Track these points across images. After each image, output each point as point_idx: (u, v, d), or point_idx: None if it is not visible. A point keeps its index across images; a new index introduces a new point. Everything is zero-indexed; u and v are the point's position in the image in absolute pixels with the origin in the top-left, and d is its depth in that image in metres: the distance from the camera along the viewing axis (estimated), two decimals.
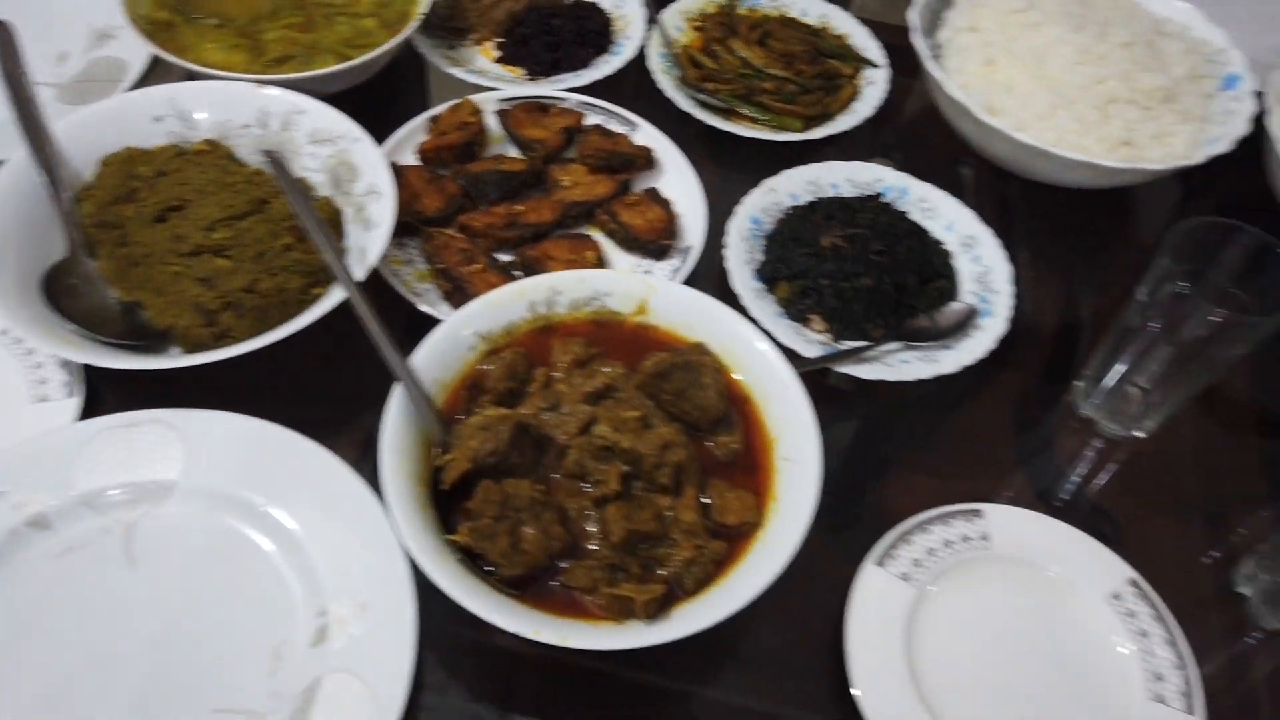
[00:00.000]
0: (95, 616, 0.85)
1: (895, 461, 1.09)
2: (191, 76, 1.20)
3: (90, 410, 0.98)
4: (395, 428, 0.86)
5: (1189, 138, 1.26)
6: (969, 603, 0.91)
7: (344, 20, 1.33)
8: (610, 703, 0.89)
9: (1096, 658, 0.90)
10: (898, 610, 0.88)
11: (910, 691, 0.83)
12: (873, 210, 1.18)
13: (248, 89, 1.16)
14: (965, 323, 1.12)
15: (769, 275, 1.15)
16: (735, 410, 0.94)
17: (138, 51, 1.29)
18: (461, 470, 0.84)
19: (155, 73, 1.31)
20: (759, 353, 0.96)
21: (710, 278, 1.18)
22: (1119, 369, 1.06)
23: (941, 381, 1.07)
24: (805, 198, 1.25)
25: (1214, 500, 1.09)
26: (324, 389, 1.08)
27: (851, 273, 1.12)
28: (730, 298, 1.12)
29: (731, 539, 0.85)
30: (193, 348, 0.99)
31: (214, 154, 1.13)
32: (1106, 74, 1.27)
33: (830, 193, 1.26)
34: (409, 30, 1.29)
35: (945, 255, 1.19)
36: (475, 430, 0.86)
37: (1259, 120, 1.29)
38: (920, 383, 1.07)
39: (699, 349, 0.95)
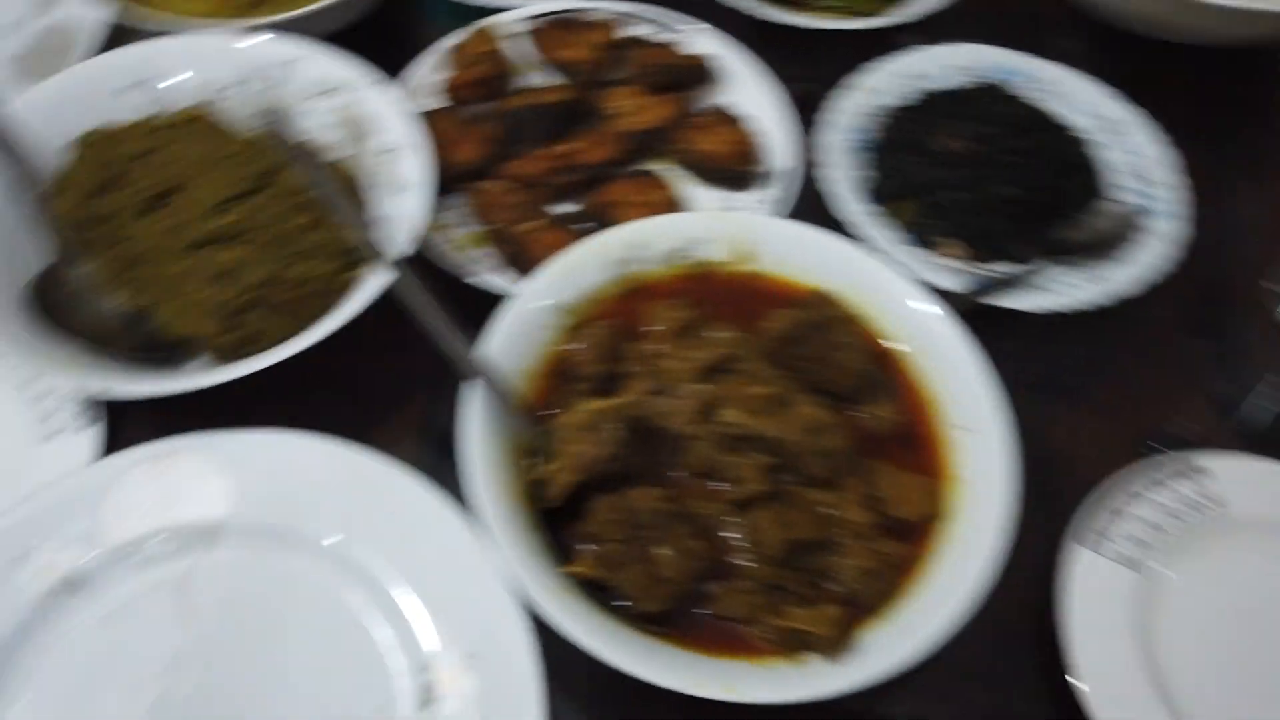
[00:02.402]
0: (151, 692, 0.74)
1: (1066, 403, 0.96)
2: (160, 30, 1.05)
3: (111, 439, 0.86)
4: (479, 438, 0.74)
5: None
6: (1214, 586, 0.78)
7: None
8: None
9: None
10: (1126, 603, 0.76)
11: (1152, 696, 0.72)
12: (995, 101, 1.03)
13: (219, 43, 1.01)
14: (1127, 227, 0.98)
15: (886, 193, 1.01)
16: (882, 370, 0.81)
17: (89, 14, 1.13)
18: (570, 483, 0.72)
19: (115, 35, 1.16)
20: (902, 294, 0.83)
21: (809, 207, 1.04)
22: None
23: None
24: (908, 96, 1.10)
25: None
26: (369, 386, 0.95)
27: (986, 180, 0.98)
28: (838, 227, 0.99)
29: (911, 537, 0.73)
30: (220, 357, 0.87)
31: (200, 125, 0.99)
32: None
33: (934, 86, 1.11)
34: None
35: (1084, 147, 1.05)
36: (578, 432, 0.74)
37: None
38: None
39: (823, 299, 0.82)
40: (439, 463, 0.86)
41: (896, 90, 1.10)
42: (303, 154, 0.86)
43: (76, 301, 0.90)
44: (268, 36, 1.01)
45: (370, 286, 0.84)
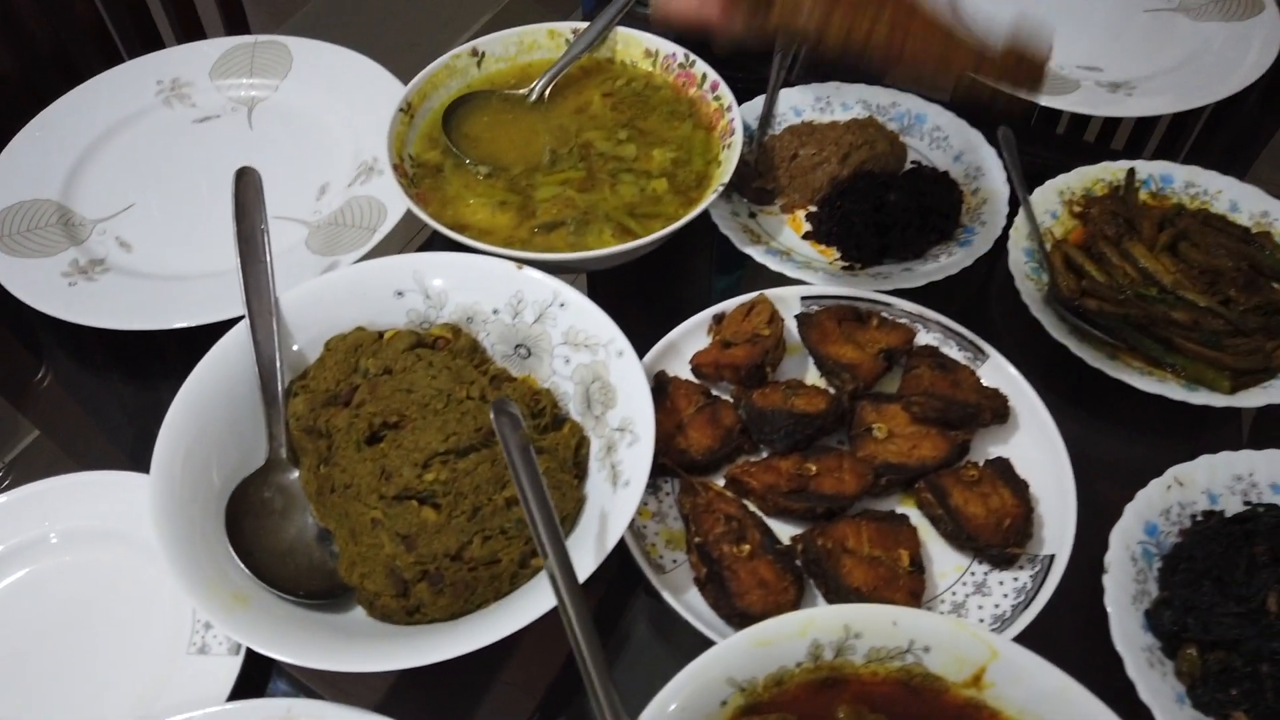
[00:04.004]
0: None
1: None
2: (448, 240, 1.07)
3: (249, 670, 0.84)
4: None
5: None
6: None
7: (630, 180, 1.16)
8: None
9: None
10: None
11: None
12: None
13: (506, 269, 1.00)
14: None
15: (1169, 629, 0.83)
16: None
17: (399, 195, 1.18)
18: None
19: (413, 220, 1.20)
20: None
21: (1072, 613, 0.87)
22: None
23: None
24: (1230, 502, 0.92)
25: None
26: (521, 698, 0.88)
27: None
28: (1101, 651, 0.82)
29: None
30: (379, 616, 0.84)
31: (453, 345, 0.99)
32: None
33: (1270, 498, 0.92)
34: (706, 202, 1.10)
35: None
36: None
37: None
38: None
39: None
40: None
41: (1215, 490, 0.92)
42: (524, 455, 0.79)
43: (275, 506, 0.90)
44: (544, 275, 0.99)
45: (538, 604, 0.77)
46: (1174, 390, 1.00)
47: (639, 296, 1.14)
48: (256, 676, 0.87)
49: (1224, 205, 1.19)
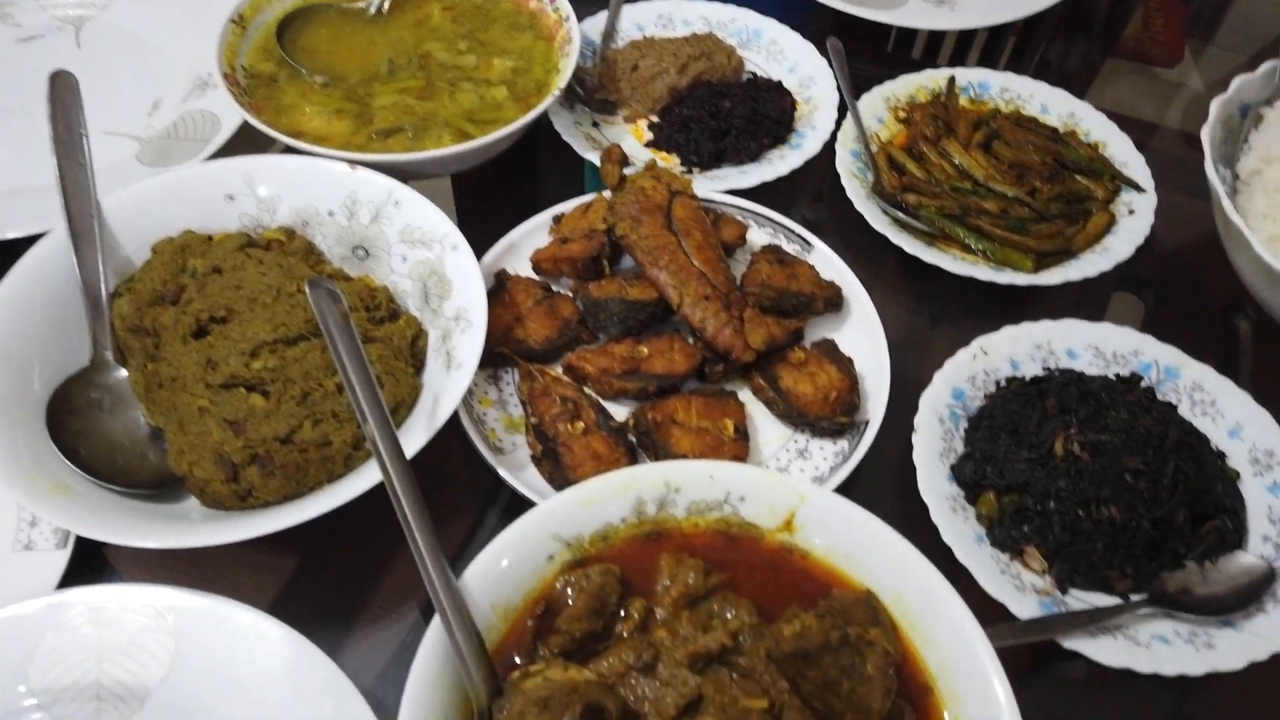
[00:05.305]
0: None
1: None
2: (287, 145, 1.06)
3: (78, 565, 0.83)
4: (424, 685, 0.65)
5: None
6: None
7: (470, 88, 1.16)
8: None
9: None
10: None
11: None
12: (1129, 405, 0.90)
13: (338, 170, 1.00)
14: (1259, 589, 0.82)
15: (970, 479, 0.89)
16: (908, 707, 0.69)
17: (233, 108, 1.15)
18: None
19: (249, 133, 1.18)
20: (955, 624, 0.70)
21: (889, 472, 0.93)
22: None
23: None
24: (1030, 368, 0.98)
25: None
26: (361, 580, 0.88)
27: (1091, 497, 0.84)
28: (913, 503, 0.87)
29: None
30: (211, 503, 0.83)
31: (287, 247, 0.98)
32: None
33: (1067, 363, 0.98)
34: (542, 107, 1.11)
35: (1230, 480, 0.90)
36: (530, 706, 0.64)
37: None
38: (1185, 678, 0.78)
39: (866, 609, 0.70)
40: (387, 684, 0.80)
41: (1017, 358, 0.98)
42: (343, 332, 0.77)
43: (104, 405, 0.88)
44: (375, 175, 0.99)
45: (365, 479, 0.78)
46: (983, 272, 1.06)
47: (495, 203, 1.15)
48: (88, 575, 0.85)
49: (1035, 108, 1.26)
